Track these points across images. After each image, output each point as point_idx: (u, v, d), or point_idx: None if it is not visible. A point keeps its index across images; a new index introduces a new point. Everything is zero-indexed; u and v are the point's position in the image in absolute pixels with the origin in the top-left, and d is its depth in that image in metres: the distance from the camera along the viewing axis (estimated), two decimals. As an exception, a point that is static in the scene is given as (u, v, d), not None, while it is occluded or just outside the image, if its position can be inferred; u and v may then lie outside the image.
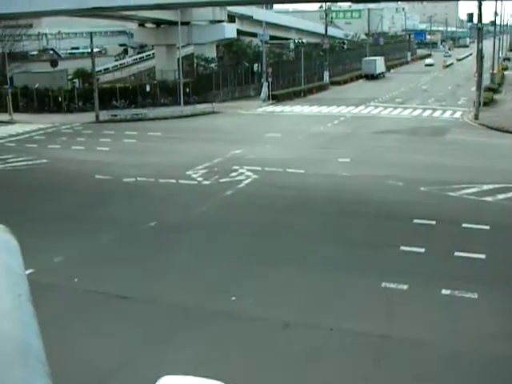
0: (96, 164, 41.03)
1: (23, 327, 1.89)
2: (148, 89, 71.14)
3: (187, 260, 23.77)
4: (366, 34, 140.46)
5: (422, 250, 24.03)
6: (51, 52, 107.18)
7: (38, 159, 42.91)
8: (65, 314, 19.48)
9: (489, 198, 30.95)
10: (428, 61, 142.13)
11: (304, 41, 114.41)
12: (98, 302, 20.30)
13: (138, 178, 36.65)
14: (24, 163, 41.88)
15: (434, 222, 27.29)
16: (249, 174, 37.13)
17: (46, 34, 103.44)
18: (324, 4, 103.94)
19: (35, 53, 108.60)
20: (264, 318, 18.79)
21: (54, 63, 77.67)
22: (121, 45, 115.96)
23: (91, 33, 73.64)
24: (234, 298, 20.12)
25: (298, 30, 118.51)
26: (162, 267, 23.01)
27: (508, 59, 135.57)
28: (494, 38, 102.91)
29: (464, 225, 26.78)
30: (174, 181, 35.89)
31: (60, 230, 27.29)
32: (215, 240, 25.95)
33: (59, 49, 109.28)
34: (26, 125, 59.29)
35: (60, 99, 68.17)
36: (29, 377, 1.73)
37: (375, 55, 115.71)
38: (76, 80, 74.62)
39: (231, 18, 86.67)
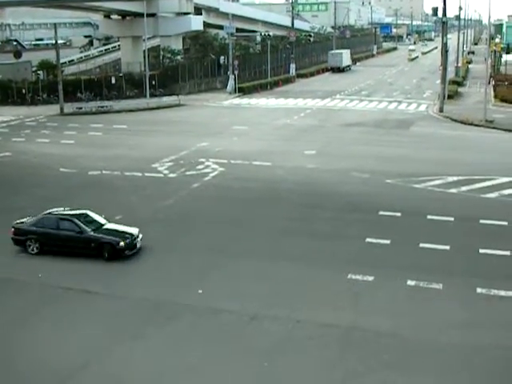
0: (61, 157, 40.61)
1: None
2: (113, 81, 70.53)
3: (153, 253, 23.66)
4: (333, 27, 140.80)
5: (388, 241, 24.23)
6: (15, 43, 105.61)
7: (1, 152, 42.37)
8: (29, 309, 19.31)
9: (453, 190, 31.26)
10: (411, 47, 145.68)
11: (271, 33, 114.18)
12: (62, 297, 20.13)
13: (104, 171, 36.37)
14: (-13, 156, 41.37)
15: (399, 214, 27.52)
16: (215, 166, 37.04)
17: (9, 25, 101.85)
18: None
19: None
20: (231, 310, 18.79)
21: (17, 54, 76.57)
22: (86, 36, 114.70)
23: (55, 24, 72.67)
24: (200, 292, 20.09)
25: (265, 23, 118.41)
26: (129, 262, 22.87)
27: (472, 53, 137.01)
28: (459, 32, 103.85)
29: (429, 216, 27.05)
30: (139, 174, 35.68)
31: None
32: (181, 233, 25.87)
33: (23, 40, 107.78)
34: (-11, 117, 58.54)
35: (24, 91, 67.33)
36: None
37: (342, 48, 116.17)
38: (40, 72, 73.53)
39: (198, 10, 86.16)
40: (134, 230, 23.95)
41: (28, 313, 19.02)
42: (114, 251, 22.86)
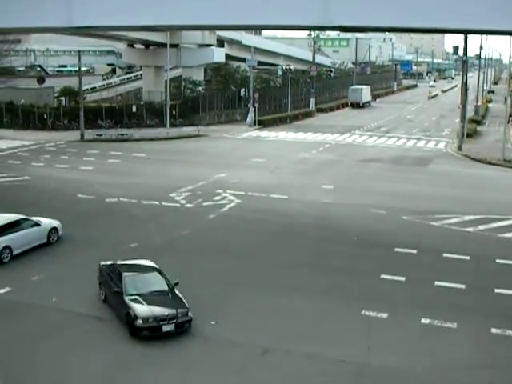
0: (79, 183, 40.85)
1: None
2: (134, 109, 71.12)
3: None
4: (353, 63, 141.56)
5: (403, 278, 24.10)
6: (38, 69, 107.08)
7: (21, 176, 42.68)
8: (41, 333, 19.33)
9: (470, 229, 31.11)
10: (431, 83, 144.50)
11: (292, 67, 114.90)
12: (74, 323, 20.14)
13: (121, 199, 36.52)
14: (6, 180, 41.64)
15: (415, 251, 27.40)
16: (232, 198, 37.11)
17: (34, 51, 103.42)
18: (312, 32, 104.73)
19: (22, 69, 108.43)
20: (243, 343, 18.72)
21: (40, 80, 77.48)
22: (109, 64, 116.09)
23: (79, 51, 73.77)
24: (213, 323, 20.04)
25: (286, 57, 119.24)
26: (141, 288, 22.85)
27: (492, 92, 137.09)
28: (479, 71, 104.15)
29: (445, 254, 26.90)
30: (157, 203, 35.80)
31: (39, 249, 27.07)
32: (196, 263, 25.85)
33: (47, 66, 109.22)
34: (10, 141, 59.02)
35: (45, 116, 67.95)
36: None
37: (362, 84, 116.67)
38: (62, 98, 74.30)
39: (220, 43, 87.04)
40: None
41: (39, 337, 19.03)
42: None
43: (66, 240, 28.39)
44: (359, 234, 30.22)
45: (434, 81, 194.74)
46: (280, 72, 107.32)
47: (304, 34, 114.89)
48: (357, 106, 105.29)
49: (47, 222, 28.10)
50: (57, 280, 23.69)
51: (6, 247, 25.44)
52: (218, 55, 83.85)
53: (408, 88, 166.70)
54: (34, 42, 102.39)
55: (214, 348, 18.50)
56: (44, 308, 21.10)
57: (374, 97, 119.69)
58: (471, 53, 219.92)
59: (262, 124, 75.04)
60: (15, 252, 25.76)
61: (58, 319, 20.30)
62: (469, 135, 64.59)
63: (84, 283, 23.00)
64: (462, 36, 62.01)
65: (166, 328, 18.99)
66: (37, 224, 27.41)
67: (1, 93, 71.91)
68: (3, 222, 25.96)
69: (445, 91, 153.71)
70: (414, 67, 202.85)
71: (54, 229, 28.15)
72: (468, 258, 26.58)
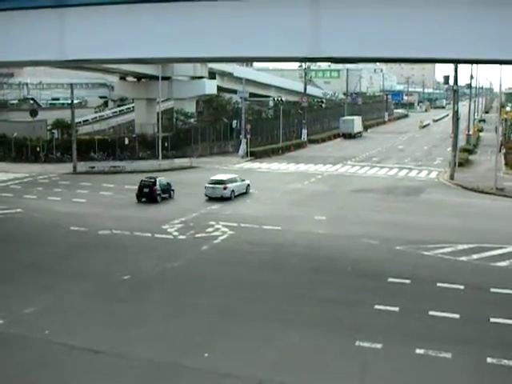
0: (72, 215, 40.79)
1: None
2: (127, 142, 71.23)
3: (160, 315, 23.53)
4: (345, 94, 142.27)
5: (397, 308, 24.01)
6: (31, 102, 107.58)
7: (13, 209, 42.59)
8: (33, 367, 19.14)
9: (463, 258, 31.10)
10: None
11: (283, 98, 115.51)
12: (67, 356, 19.96)
13: (114, 231, 36.44)
14: (-1, 213, 41.58)
15: (408, 281, 27.33)
16: (225, 229, 37.06)
17: (27, 84, 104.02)
18: (303, 63, 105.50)
19: (15, 102, 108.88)
20: (237, 375, 18.56)
21: (33, 113, 77.75)
22: (101, 97, 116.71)
23: (72, 84, 74.04)
24: (206, 355, 19.89)
25: (278, 88, 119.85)
26: (134, 322, 22.74)
27: (483, 121, 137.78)
28: (470, 100, 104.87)
29: (439, 284, 26.84)
30: (149, 234, 35.73)
31: (32, 281, 27.01)
32: (189, 295, 25.73)
33: (40, 99, 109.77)
34: (2, 173, 58.97)
35: (38, 149, 68.03)
36: None
37: (353, 114, 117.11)
38: (55, 130, 74.49)
39: (212, 75, 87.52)
40: None
41: (29, 371, 18.85)
42: None
43: (57, 272, 28.29)
44: (352, 265, 30.17)
45: (425, 110, 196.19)
46: (271, 103, 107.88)
47: (295, 65, 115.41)
48: (348, 136, 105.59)
49: (247, 181, 50.56)
50: (49, 313, 23.54)
51: (233, 190, 47.53)
52: (210, 87, 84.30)
53: (399, 118, 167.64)
54: (27, 75, 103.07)
55: (208, 379, 18.33)
56: (37, 340, 20.90)
57: (366, 127, 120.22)
58: (462, 82, 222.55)
59: (254, 155, 75.22)
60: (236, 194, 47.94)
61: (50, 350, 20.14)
62: (461, 164, 64.90)
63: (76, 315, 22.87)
64: (452, 66, 62.55)
65: None
66: (243, 180, 50.05)
67: (-6, 126, 72.04)
68: (228, 177, 48.98)
69: (436, 120, 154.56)
70: (405, 97, 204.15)
71: (248, 185, 50.34)
72: (462, 287, 26.53)
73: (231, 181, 48.43)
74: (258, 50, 25.90)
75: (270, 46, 25.36)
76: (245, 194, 49.06)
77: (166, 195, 47.06)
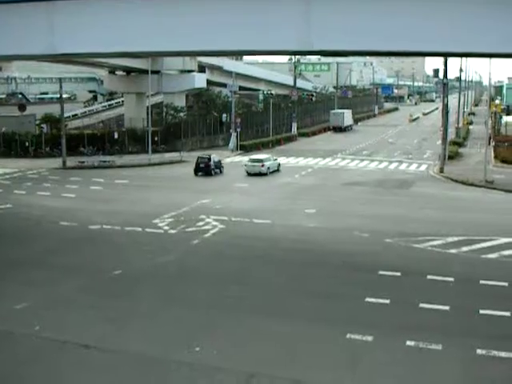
0: (61, 210, 40.69)
1: None
2: (116, 136, 71.05)
3: (151, 309, 23.51)
4: (335, 87, 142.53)
5: (388, 301, 24.08)
6: (20, 96, 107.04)
7: (3, 204, 42.46)
8: (24, 363, 19.09)
9: (453, 250, 31.21)
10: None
11: (273, 92, 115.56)
12: (58, 351, 19.93)
13: (104, 226, 36.37)
14: (-12, 208, 41.43)
15: (399, 274, 27.42)
16: (215, 223, 37.05)
17: (15, 78, 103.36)
18: (293, 56, 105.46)
19: (3, 96, 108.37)
20: (228, 368, 18.58)
21: (22, 107, 77.41)
22: (90, 91, 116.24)
23: (60, 78, 73.87)
24: (197, 349, 19.90)
25: (268, 82, 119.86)
26: (125, 316, 22.73)
27: (473, 114, 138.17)
28: (460, 93, 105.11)
29: (429, 276, 26.93)
30: (140, 229, 35.68)
31: (23, 277, 26.93)
32: (180, 290, 25.73)
33: (28, 93, 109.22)
34: (-8, 169, 58.81)
35: (27, 144, 67.79)
36: None
37: (343, 108, 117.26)
38: (44, 125, 74.11)
39: (201, 68, 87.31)
40: None
41: (20, 366, 18.80)
42: None
43: (48, 267, 28.23)
44: (343, 258, 30.23)
45: (415, 104, 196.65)
46: (261, 97, 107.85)
47: (285, 58, 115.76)
48: (339, 129, 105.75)
49: (279, 161, 60.78)
50: (39, 308, 23.48)
51: (268, 167, 57.03)
52: (200, 81, 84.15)
53: (389, 111, 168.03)
54: (15, 69, 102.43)
55: (200, 374, 18.34)
56: (27, 336, 20.85)
57: (356, 120, 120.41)
58: (451, 75, 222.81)
59: (244, 149, 75.26)
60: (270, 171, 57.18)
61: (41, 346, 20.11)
62: (450, 157, 65.08)
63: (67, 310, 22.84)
64: (442, 59, 62.65)
65: None
66: (275, 159, 59.65)
67: (-18, 121, 71.70)
68: (264, 157, 59.18)
69: (426, 114, 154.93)
70: (395, 90, 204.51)
71: (279, 164, 60.06)
72: (452, 279, 26.63)
73: (267, 160, 58.25)
74: (248, 43, 25.87)
75: (259, 39, 25.34)
76: (277, 171, 58.64)
77: (217, 170, 57.41)
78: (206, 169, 56.36)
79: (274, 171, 58.13)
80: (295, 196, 46.87)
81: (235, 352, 19.76)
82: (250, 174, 56.36)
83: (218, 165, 58.05)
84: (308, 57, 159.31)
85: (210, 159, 57.04)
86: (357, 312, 23.15)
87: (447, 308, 23.27)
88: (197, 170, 56.50)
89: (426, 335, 20.59)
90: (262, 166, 56.78)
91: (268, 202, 44.04)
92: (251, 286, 26.00)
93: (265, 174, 56.27)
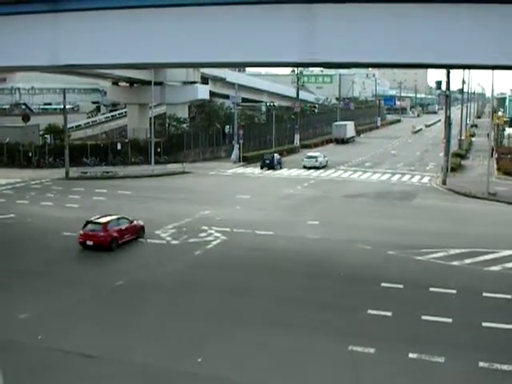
0: (64, 220, 40.70)
1: None
2: (119, 147, 71.16)
3: (154, 320, 23.51)
4: (337, 99, 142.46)
5: (390, 313, 24.05)
6: (23, 107, 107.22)
7: (5, 214, 42.49)
8: (27, 373, 19.08)
9: (456, 263, 31.18)
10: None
11: (276, 104, 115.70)
12: (61, 361, 19.92)
13: (107, 236, 36.33)
14: (-9, 218, 41.47)
15: (401, 286, 27.39)
16: (217, 234, 37.05)
17: (19, 89, 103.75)
18: (296, 68, 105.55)
19: (7, 107, 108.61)
20: (231, 379, 18.57)
21: (25, 118, 77.52)
22: (94, 102, 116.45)
23: (64, 89, 73.87)
24: (200, 360, 19.88)
25: (270, 93, 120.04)
26: (128, 327, 22.74)
27: (475, 126, 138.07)
28: (462, 105, 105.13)
29: (431, 289, 26.91)
30: (142, 240, 35.68)
31: (26, 287, 26.94)
32: (183, 300, 25.74)
33: (32, 104, 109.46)
34: (-5, 179, 58.88)
35: (30, 154, 67.95)
36: None
37: (346, 119, 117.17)
38: (47, 136, 74.28)
39: (204, 80, 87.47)
40: None
41: (23, 376, 18.78)
42: None
43: (51, 277, 28.24)
44: (345, 270, 30.22)
45: (418, 116, 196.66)
46: (264, 108, 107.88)
47: (288, 70, 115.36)
48: (341, 141, 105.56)
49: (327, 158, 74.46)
50: (42, 318, 23.49)
51: (320, 162, 73.14)
52: (203, 92, 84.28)
53: (392, 123, 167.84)
54: (19, 80, 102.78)
55: (201, 386, 18.35)
56: (30, 345, 20.84)
57: (358, 132, 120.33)
58: (454, 87, 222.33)
59: (246, 160, 75.22)
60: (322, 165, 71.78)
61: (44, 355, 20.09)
62: (453, 169, 65.07)
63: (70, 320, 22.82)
64: (444, 71, 62.65)
65: None
66: (325, 157, 74.25)
67: (-14, 131, 71.83)
68: (318, 154, 75.35)
69: (428, 126, 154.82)
70: (398, 102, 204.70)
71: (327, 160, 74.18)
72: (454, 291, 26.60)
73: (320, 157, 73.54)
74: (252, 55, 25.94)
75: (264, 51, 25.40)
76: (325, 166, 72.55)
77: (278, 165, 70.87)
78: (270, 164, 70.23)
79: (323, 166, 72.28)
80: (297, 208, 46.86)
81: (237, 363, 19.74)
82: (306, 168, 70.92)
83: (279, 162, 71.83)
84: (310, 68, 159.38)
85: (273, 157, 71.38)
86: (359, 324, 23.13)
87: (450, 320, 23.25)
88: (263, 166, 70.20)
89: (429, 348, 20.57)
90: (317, 161, 72.17)
91: (270, 214, 44.00)
92: (253, 298, 26.00)
93: (318, 168, 70.83)
